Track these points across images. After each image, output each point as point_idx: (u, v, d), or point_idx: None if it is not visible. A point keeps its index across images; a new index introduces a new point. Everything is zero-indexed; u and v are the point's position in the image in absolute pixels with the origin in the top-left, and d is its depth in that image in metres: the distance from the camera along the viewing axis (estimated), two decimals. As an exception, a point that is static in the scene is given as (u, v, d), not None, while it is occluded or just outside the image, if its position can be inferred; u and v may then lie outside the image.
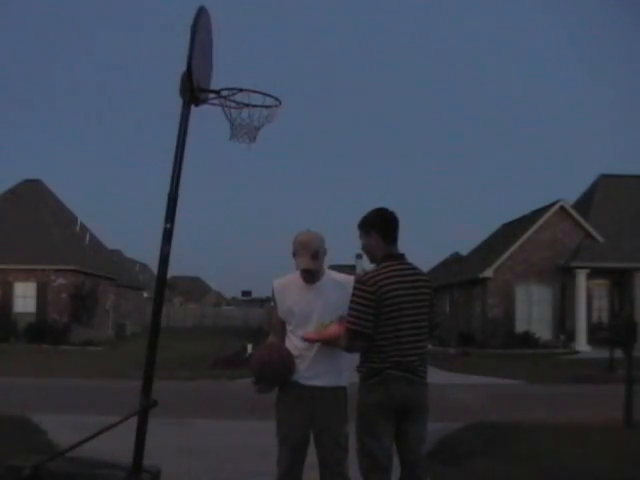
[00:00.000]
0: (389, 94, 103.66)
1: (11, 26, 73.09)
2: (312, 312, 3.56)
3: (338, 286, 3.64)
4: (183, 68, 3.65)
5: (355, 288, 3.43)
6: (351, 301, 3.40)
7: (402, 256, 3.56)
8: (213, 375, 15.19)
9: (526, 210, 29.25)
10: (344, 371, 3.65)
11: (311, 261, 3.53)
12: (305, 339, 3.53)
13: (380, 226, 3.52)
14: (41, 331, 25.37)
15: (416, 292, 3.47)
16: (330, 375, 3.58)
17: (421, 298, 3.49)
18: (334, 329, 3.49)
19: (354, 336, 3.38)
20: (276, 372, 3.53)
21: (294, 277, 3.67)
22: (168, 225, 3.68)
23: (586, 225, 25.71)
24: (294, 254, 3.58)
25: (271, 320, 3.83)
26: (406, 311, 3.41)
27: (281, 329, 3.71)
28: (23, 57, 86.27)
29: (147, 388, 3.59)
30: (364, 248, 3.61)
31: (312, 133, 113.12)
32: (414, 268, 3.56)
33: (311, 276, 3.60)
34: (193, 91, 3.70)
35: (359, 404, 3.43)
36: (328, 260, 3.72)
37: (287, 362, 3.54)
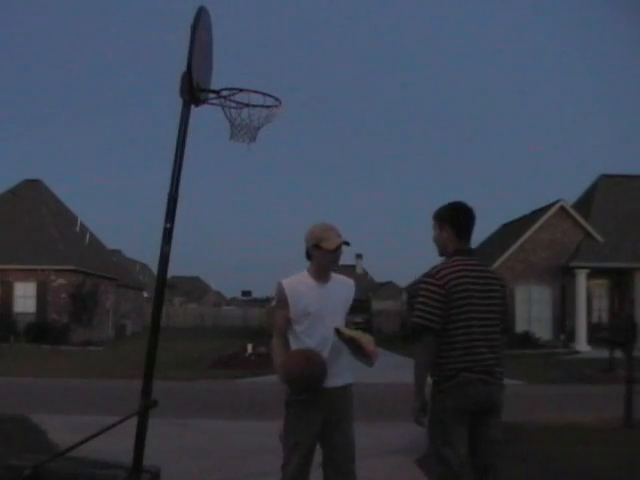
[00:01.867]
0: (389, 94, 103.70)
1: (10, 26, 73.12)
2: (326, 312, 3.48)
3: (345, 286, 3.64)
4: (183, 68, 3.65)
5: (423, 282, 3.33)
6: (419, 295, 3.31)
7: (472, 252, 3.47)
8: (213, 375, 15.18)
9: (526, 210, 29.28)
10: (349, 367, 3.61)
11: (339, 237, 3.47)
12: (338, 331, 3.42)
13: (454, 222, 3.44)
14: (41, 331, 25.34)
15: (486, 289, 3.36)
16: (341, 374, 3.54)
17: (492, 295, 3.38)
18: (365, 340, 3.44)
19: (422, 331, 3.24)
20: (320, 381, 3.38)
21: (302, 277, 3.56)
22: (168, 225, 3.69)
23: (586, 225, 25.68)
24: (315, 245, 3.47)
25: (275, 321, 3.63)
26: (476, 307, 3.29)
27: (287, 331, 3.55)
28: (23, 57, 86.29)
29: (147, 388, 3.60)
30: (435, 240, 3.52)
31: (313, 133, 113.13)
32: (485, 265, 3.47)
33: (336, 263, 3.51)
34: (193, 91, 3.70)
35: (433, 410, 3.29)
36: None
37: (326, 368, 3.39)
